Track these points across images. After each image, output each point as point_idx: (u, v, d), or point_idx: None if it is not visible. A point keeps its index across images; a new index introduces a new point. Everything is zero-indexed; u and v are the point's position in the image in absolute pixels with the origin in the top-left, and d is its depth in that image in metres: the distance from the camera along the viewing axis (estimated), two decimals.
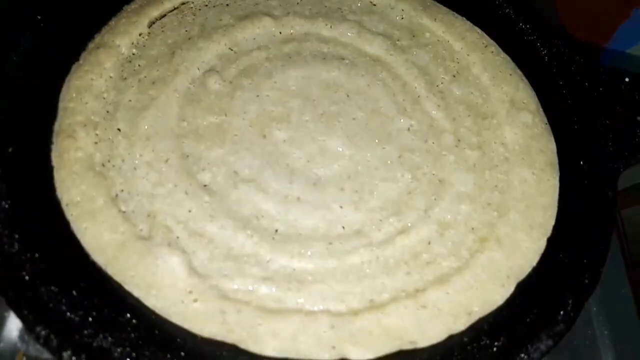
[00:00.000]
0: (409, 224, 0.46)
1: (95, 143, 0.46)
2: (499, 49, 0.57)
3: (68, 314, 0.39)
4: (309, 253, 0.44)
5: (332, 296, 0.42)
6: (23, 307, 0.38)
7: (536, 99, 0.54)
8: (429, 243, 0.45)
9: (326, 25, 0.57)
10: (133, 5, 0.55)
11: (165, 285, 0.41)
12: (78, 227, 0.42)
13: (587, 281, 0.43)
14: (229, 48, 0.54)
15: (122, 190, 0.45)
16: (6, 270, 0.39)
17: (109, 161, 0.46)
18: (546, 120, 0.53)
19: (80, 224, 0.43)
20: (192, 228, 0.43)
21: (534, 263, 0.45)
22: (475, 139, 0.51)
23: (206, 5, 0.57)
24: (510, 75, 0.55)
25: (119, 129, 0.47)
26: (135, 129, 0.48)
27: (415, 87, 0.54)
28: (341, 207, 0.46)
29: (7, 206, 0.42)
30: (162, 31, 0.54)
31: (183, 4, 0.56)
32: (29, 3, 0.52)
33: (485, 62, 0.56)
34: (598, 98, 0.53)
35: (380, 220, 0.46)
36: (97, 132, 0.47)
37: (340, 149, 0.49)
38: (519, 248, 0.45)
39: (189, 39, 0.54)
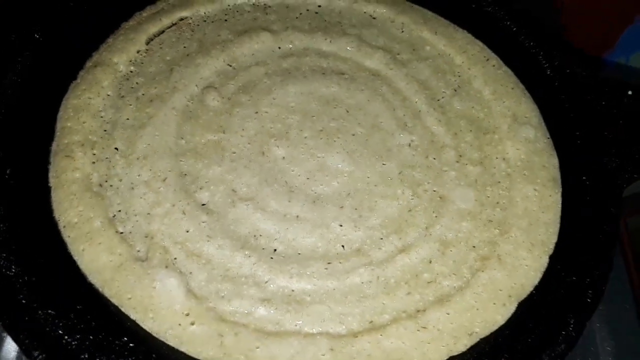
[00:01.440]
0: (410, 243, 0.46)
1: (93, 163, 0.46)
2: (501, 63, 0.56)
3: (65, 337, 0.38)
4: (307, 273, 0.43)
5: (331, 317, 0.42)
6: (20, 332, 0.38)
7: (538, 112, 0.53)
8: (430, 262, 0.45)
9: (325, 39, 0.56)
10: (131, 22, 0.55)
11: (162, 308, 0.40)
12: (75, 249, 0.42)
13: (589, 300, 0.43)
14: (228, 64, 0.54)
15: (120, 211, 0.44)
16: (3, 294, 0.39)
17: (106, 181, 0.46)
18: (548, 135, 0.52)
19: (77, 246, 0.42)
20: (189, 249, 0.43)
21: (535, 282, 0.44)
22: (476, 154, 0.51)
23: (204, 21, 0.57)
24: (512, 89, 0.55)
25: (116, 148, 0.47)
26: (133, 148, 0.47)
27: (416, 102, 0.54)
28: (341, 225, 0.46)
29: (4, 228, 0.42)
30: (160, 48, 0.54)
31: (181, 19, 0.56)
32: (27, 21, 0.51)
33: (487, 76, 0.55)
34: (601, 112, 0.52)
35: (381, 238, 0.46)
36: (95, 151, 0.47)
37: (340, 166, 0.49)
38: (521, 267, 0.45)
39: (187, 55, 0.54)
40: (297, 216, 0.46)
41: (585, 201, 0.48)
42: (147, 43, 0.54)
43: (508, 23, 0.58)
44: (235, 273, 0.43)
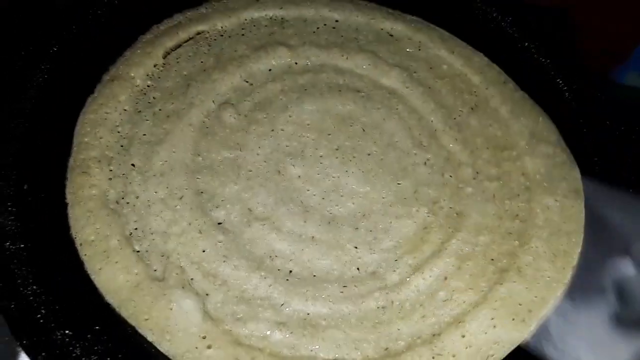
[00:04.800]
0: (424, 260, 0.45)
1: (110, 179, 0.46)
2: (517, 87, 0.56)
3: (83, 359, 0.38)
4: (323, 296, 0.43)
5: (346, 343, 0.41)
6: (38, 352, 0.38)
7: (557, 130, 0.53)
8: (445, 279, 0.44)
9: (342, 55, 0.56)
10: (148, 36, 0.55)
11: (179, 330, 0.40)
12: (92, 267, 0.42)
13: None
14: (244, 80, 0.54)
15: (136, 229, 0.44)
16: (21, 314, 0.39)
17: (122, 198, 0.46)
18: (568, 150, 0.52)
19: (94, 264, 0.42)
20: (205, 269, 0.43)
21: (558, 294, 0.43)
22: (494, 170, 0.51)
23: (221, 35, 0.56)
24: (530, 109, 0.54)
25: (133, 165, 0.47)
26: (150, 164, 0.47)
27: (432, 121, 0.53)
28: (356, 247, 0.46)
29: (21, 246, 0.42)
30: (177, 62, 0.54)
31: (198, 34, 0.56)
32: (45, 34, 0.51)
33: (504, 96, 0.55)
34: (619, 136, 0.52)
35: (395, 260, 0.46)
36: (112, 167, 0.47)
37: (355, 186, 0.49)
38: (542, 278, 0.44)
39: (204, 70, 0.53)
40: (313, 237, 0.46)
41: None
42: (164, 57, 0.54)
43: (526, 44, 0.58)
44: (251, 295, 0.43)
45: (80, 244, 0.43)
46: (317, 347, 0.41)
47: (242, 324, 0.41)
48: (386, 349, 0.42)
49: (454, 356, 0.41)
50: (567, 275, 0.44)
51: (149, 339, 0.40)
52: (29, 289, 0.40)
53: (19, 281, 0.40)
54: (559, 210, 0.48)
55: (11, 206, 0.43)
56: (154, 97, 0.51)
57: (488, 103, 0.55)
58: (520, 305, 0.43)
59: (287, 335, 0.41)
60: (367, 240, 0.46)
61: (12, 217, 0.43)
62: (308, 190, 0.48)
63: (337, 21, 0.59)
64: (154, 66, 0.53)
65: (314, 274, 0.44)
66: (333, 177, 0.49)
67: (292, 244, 0.45)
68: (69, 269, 0.42)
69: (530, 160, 0.51)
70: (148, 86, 0.52)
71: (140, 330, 0.40)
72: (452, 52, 0.57)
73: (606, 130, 0.53)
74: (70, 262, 0.42)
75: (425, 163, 0.51)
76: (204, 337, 0.40)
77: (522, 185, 0.50)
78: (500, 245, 0.46)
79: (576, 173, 0.50)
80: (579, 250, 0.45)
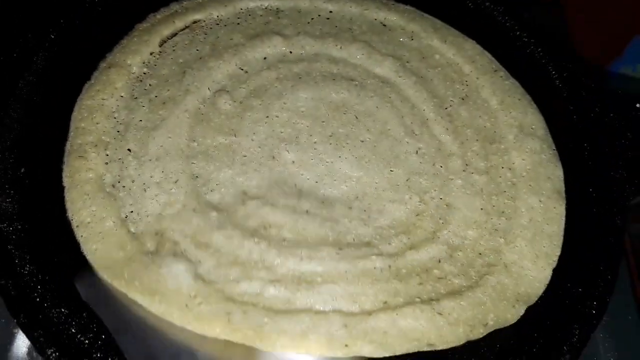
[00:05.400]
0: (419, 242, 0.46)
1: (106, 163, 0.47)
2: (508, 75, 0.56)
3: (78, 336, 0.39)
4: (318, 256, 0.44)
5: (343, 296, 0.42)
6: (34, 330, 0.38)
7: (545, 124, 0.54)
8: (439, 261, 0.45)
9: (336, 45, 0.57)
10: (145, 24, 0.56)
11: (169, 291, 0.41)
12: (88, 248, 0.43)
13: (594, 311, 0.43)
14: (240, 67, 0.54)
15: (132, 212, 0.45)
16: (18, 293, 0.40)
17: (119, 182, 0.46)
18: (554, 147, 0.52)
19: (90, 245, 0.43)
20: (198, 240, 0.44)
21: (539, 293, 0.45)
22: (482, 163, 0.51)
23: (217, 24, 0.57)
24: (519, 100, 0.55)
25: (129, 150, 0.48)
26: (145, 149, 0.48)
27: (424, 110, 0.54)
28: (350, 221, 0.46)
29: (18, 227, 0.43)
30: (173, 50, 0.55)
31: (194, 22, 0.57)
32: (42, 23, 0.52)
33: (495, 86, 0.56)
34: (608, 124, 0.52)
35: (390, 236, 0.46)
36: (108, 152, 0.48)
37: (348, 171, 0.50)
38: (526, 276, 0.45)
39: (200, 58, 0.54)
40: (307, 211, 0.46)
41: (591, 213, 0.48)
42: (161, 45, 0.55)
43: (518, 33, 0.59)
44: (244, 259, 0.43)
45: (77, 226, 0.44)
46: (313, 300, 0.41)
47: (235, 284, 0.42)
48: (385, 302, 0.42)
49: (455, 317, 0.42)
50: (548, 276, 0.46)
51: (139, 301, 0.41)
52: (25, 268, 0.41)
53: (16, 261, 0.41)
54: (542, 211, 0.49)
55: (9, 188, 0.44)
56: (150, 84, 0.52)
57: (479, 93, 0.56)
58: (509, 295, 0.44)
59: (282, 291, 0.42)
60: (361, 217, 0.47)
61: (10, 199, 0.44)
62: (302, 175, 0.49)
63: (331, 12, 0.60)
64: (150, 54, 0.54)
65: (309, 240, 0.45)
66: (327, 162, 0.50)
67: (286, 215, 0.46)
68: (65, 249, 0.43)
69: (517, 155, 0.52)
70: (144, 73, 0.53)
71: (130, 295, 0.41)
72: (444, 41, 0.58)
73: (596, 120, 0.53)
74: (66, 242, 0.43)
75: (417, 152, 0.52)
76: (195, 296, 0.41)
77: (508, 181, 0.51)
78: (487, 241, 0.47)
79: (560, 173, 0.51)
80: (558, 252, 0.47)
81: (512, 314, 0.43)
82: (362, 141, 0.51)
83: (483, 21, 0.60)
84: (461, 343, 0.41)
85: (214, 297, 0.41)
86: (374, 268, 0.44)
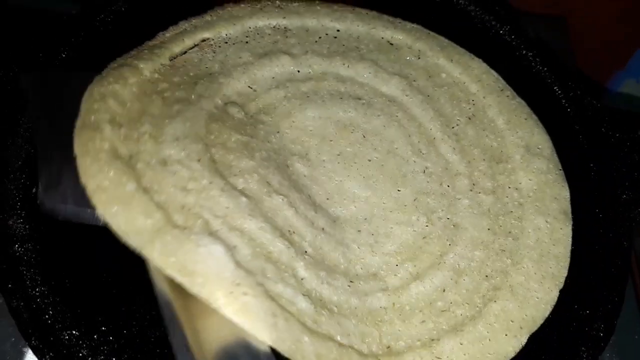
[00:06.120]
0: (424, 270, 0.46)
1: (121, 139, 0.43)
2: (515, 94, 0.57)
3: (89, 359, 0.39)
4: (334, 284, 0.43)
5: (355, 334, 0.42)
6: (46, 352, 0.39)
7: (551, 144, 0.54)
8: (444, 291, 0.46)
9: (344, 64, 0.57)
10: (154, 42, 0.56)
11: (211, 274, 0.38)
12: (107, 210, 0.39)
13: (601, 333, 0.44)
14: (249, 86, 0.55)
15: (152, 183, 0.41)
16: (29, 314, 0.40)
17: (136, 154, 0.43)
18: (560, 167, 0.53)
19: (109, 207, 0.39)
20: (230, 223, 0.40)
21: (546, 314, 0.45)
22: (489, 183, 0.52)
23: (226, 42, 0.57)
24: (526, 120, 0.55)
25: (145, 132, 0.44)
26: (163, 132, 0.45)
27: (431, 129, 0.54)
28: (359, 247, 0.47)
29: (30, 247, 0.43)
30: (184, 65, 0.55)
31: (203, 40, 0.57)
32: (52, 40, 0.53)
33: (501, 106, 0.56)
34: (614, 144, 0.53)
35: (396, 265, 0.47)
36: (123, 131, 0.44)
37: (357, 191, 0.50)
38: (532, 298, 0.46)
39: (210, 74, 0.54)
40: (323, 229, 0.46)
41: (597, 233, 0.49)
42: (170, 60, 0.55)
43: (524, 52, 0.59)
44: (277, 258, 0.41)
45: (93, 190, 0.40)
46: (333, 329, 0.41)
47: (273, 283, 0.40)
48: (388, 347, 0.42)
49: None
50: (554, 297, 0.46)
51: (178, 279, 0.37)
52: (37, 290, 0.41)
53: (27, 282, 0.41)
54: (549, 232, 0.49)
55: (20, 209, 0.44)
56: (161, 87, 0.49)
57: (485, 113, 0.56)
58: (512, 322, 0.44)
59: (312, 307, 0.41)
60: (369, 243, 0.47)
61: (21, 220, 0.44)
62: (314, 189, 0.49)
63: (338, 31, 0.60)
64: (161, 64, 0.53)
65: (325, 261, 0.44)
66: (336, 180, 0.50)
67: (307, 227, 0.45)
68: (77, 271, 0.43)
69: (524, 175, 0.52)
70: (156, 78, 0.50)
71: (168, 271, 0.38)
72: (450, 60, 0.58)
73: (602, 140, 0.54)
74: (78, 264, 0.43)
75: (424, 171, 0.52)
76: (239, 284, 0.38)
77: (515, 202, 0.51)
78: (494, 262, 0.47)
79: (566, 193, 0.51)
80: (565, 274, 0.47)
81: (513, 347, 0.44)
82: (370, 160, 0.52)
83: (489, 40, 0.61)
84: None
85: (258, 291, 0.38)
86: (380, 308, 0.44)
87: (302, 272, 0.42)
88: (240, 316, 0.37)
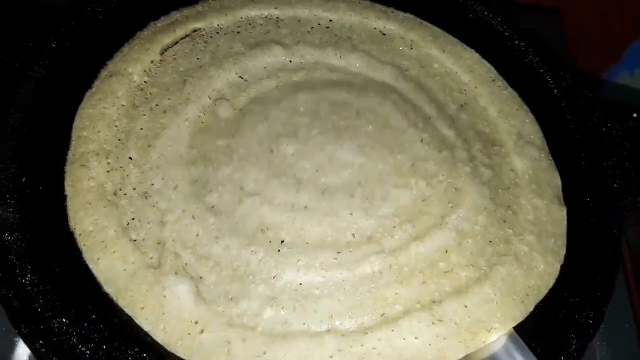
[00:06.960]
0: (425, 231, 0.45)
1: (108, 172, 0.47)
2: (506, 84, 0.57)
3: (79, 347, 0.39)
4: (316, 264, 0.43)
5: (340, 312, 0.42)
6: (36, 340, 0.39)
7: (542, 135, 0.54)
8: (446, 251, 0.44)
9: (336, 54, 0.57)
10: (145, 32, 0.56)
11: (172, 317, 0.41)
12: (90, 257, 0.43)
13: (591, 321, 0.44)
14: (240, 76, 0.55)
15: (133, 219, 0.45)
16: (19, 303, 0.40)
17: (120, 189, 0.47)
18: (550, 157, 0.53)
19: (92, 254, 0.43)
20: (198, 252, 0.44)
21: (550, 284, 0.44)
22: (487, 160, 0.51)
23: (217, 33, 0.57)
24: (517, 110, 0.55)
25: (130, 158, 0.48)
26: (146, 157, 0.48)
27: (426, 110, 0.54)
28: (351, 213, 0.45)
29: (19, 236, 0.43)
30: (174, 59, 0.55)
31: (194, 31, 0.57)
32: (43, 31, 0.52)
33: (493, 96, 0.56)
34: (606, 134, 0.53)
35: (394, 227, 0.45)
36: (109, 160, 0.48)
37: (350, 158, 0.48)
38: (536, 268, 0.45)
39: (200, 67, 0.54)
40: (305, 206, 0.46)
41: (588, 222, 0.49)
42: (161, 53, 0.55)
43: (517, 42, 0.59)
44: (243, 272, 0.43)
45: (79, 234, 0.44)
46: (309, 320, 0.41)
47: (234, 304, 0.42)
48: (382, 314, 0.41)
49: (456, 324, 0.41)
50: (557, 270, 0.45)
51: (145, 329, 0.41)
52: (27, 278, 0.41)
53: (17, 271, 0.41)
54: (546, 212, 0.48)
55: (10, 198, 0.44)
56: (150, 93, 0.52)
57: (477, 102, 0.56)
58: (519, 288, 0.44)
59: (279, 311, 0.41)
60: (363, 207, 0.46)
61: (11, 209, 0.44)
62: (301, 165, 0.48)
63: (330, 20, 0.60)
64: (151, 62, 0.54)
65: (307, 242, 0.44)
66: (327, 150, 0.48)
67: (283, 213, 0.45)
68: (67, 260, 0.43)
69: (518, 159, 0.52)
70: (145, 82, 0.53)
71: (137, 320, 0.41)
72: (442, 50, 0.58)
73: (594, 129, 0.54)
74: (68, 252, 0.43)
75: (422, 140, 0.50)
76: (196, 322, 0.41)
77: (512, 180, 0.50)
78: (497, 230, 0.46)
79: (558, 182, 0.51)
80: (564, 251, 0.46)
81: (520, 311, 0.42)
82: (364, 132, 0.50)
83: (482, 30, 0.60)
84: (459, 358, 0.40)
85: (215, 324, 0.41)
86: (373, 272, 0.43)
87: (272, 271, 0.43)
88: (196, 356, 0.40)
